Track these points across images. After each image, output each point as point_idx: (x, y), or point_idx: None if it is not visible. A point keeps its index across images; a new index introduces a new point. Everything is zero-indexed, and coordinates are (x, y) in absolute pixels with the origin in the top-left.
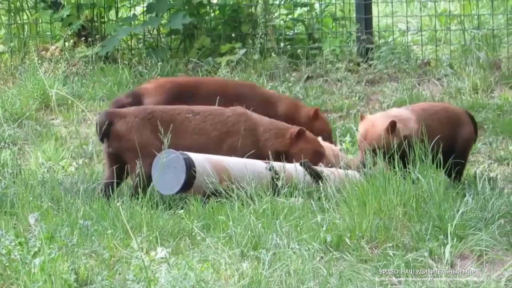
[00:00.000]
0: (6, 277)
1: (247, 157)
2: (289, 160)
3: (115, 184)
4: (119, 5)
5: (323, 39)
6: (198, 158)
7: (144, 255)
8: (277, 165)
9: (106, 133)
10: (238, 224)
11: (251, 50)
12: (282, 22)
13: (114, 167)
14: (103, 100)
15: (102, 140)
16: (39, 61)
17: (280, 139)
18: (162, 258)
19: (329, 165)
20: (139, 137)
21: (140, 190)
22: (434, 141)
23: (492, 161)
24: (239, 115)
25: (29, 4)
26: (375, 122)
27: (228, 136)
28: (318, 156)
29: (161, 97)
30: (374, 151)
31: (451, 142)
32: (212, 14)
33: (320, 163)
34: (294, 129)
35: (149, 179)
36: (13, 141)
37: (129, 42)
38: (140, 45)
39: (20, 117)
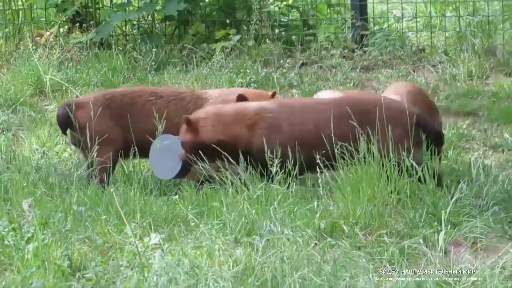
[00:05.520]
0: (0, 263)
1: None
2: None
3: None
4: None
5: (318, 25)
6: None
7: (137, 241)
8: None
9: (66, 124)
10: (232, 210)
11: (246, 36)
12: (276, 8)
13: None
14: (97, 86)
15: (64, 132)
16: (34, 47)
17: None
18: (155, 244)
19: None
20: (98, 125)
21: (98, 180)
22: None
23: (487, 148)
24: (195, 97)
25: None
26: None
27: None
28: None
29: None
30: None
31: None
32: (207, 0)
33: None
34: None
35: (108, 168)
36: (8, 127)
37: (123, 28)
38: (134, 31)
39: (14, 103)
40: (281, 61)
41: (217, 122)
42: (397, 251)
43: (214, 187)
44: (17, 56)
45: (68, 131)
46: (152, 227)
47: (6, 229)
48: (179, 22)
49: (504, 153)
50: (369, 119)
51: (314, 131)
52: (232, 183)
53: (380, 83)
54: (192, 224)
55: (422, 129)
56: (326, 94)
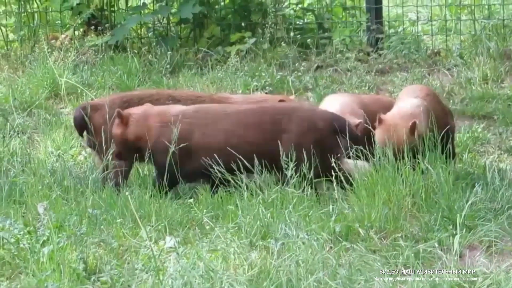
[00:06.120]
0: (15, 266)
1: None
2: None
3: (128, 173)
4: None
5: (333, 28)
6: None
7: (153, 245)
8: None
9: (83, 127)
10: (247, 214)
11: (261, 39)
12: (292, 11)
13: None
14: (113, 89)
15: (81, 134)
16: (49, 50)
17: None
18: (171, 247)
19: None
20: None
21: (113, 183)
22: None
23: (501, 152)
24: (216, 102)
25: None
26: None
27: None
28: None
29: None
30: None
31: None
32: (222, 3)
33: None
34: None
35: (123, 171)
36: (23, 130)
37: (138, 31)
38: (149, 34)
39: (29, 106)
40: (296, 64)
41: (141, 121)
42: (412, 254)
43: (229, 191)
44: (33, 59)
45: (85, 134)
46: (167, 230)
47: (21, 232)
48: (194, 25)
49: None
50: (283, 127)
51: (224, 140)
52: (247, 187)
53: (395, 87)
54: (207, 227)
55: (340, 133)
56: (334, 98)
